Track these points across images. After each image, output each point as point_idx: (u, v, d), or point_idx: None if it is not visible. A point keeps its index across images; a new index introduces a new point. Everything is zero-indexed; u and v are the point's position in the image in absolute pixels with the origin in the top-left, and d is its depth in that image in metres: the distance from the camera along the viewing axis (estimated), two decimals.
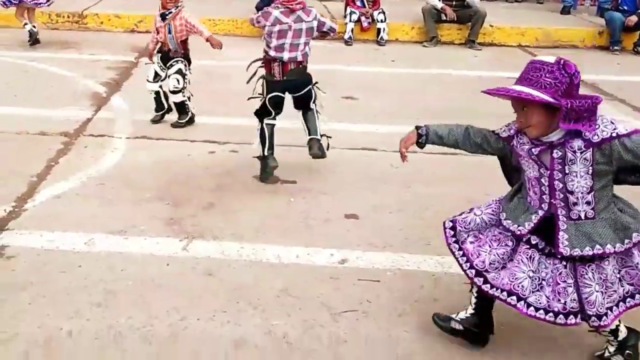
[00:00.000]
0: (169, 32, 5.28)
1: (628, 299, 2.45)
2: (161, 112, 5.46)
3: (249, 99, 4.38)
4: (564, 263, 2.41)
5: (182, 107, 5.35)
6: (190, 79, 5.45)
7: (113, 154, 4.73)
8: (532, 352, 2.73)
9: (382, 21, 8.97)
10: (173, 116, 5.43)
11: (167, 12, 5.27)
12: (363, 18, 8.99)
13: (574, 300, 2.39)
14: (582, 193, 2.35)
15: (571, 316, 2.41)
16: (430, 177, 4.48)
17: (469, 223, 2.63)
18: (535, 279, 2.43)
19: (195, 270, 3.23)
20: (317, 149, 4.26)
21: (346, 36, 8.90)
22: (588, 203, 2.37)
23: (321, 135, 4.34)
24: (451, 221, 2.68)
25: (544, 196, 2.43)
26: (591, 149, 2.29)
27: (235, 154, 4.86)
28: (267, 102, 4.27)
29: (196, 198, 4.03)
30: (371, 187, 4.32)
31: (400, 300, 3.02)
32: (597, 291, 2.39)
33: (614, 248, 2.36)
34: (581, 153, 2.31)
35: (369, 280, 3.18)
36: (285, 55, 4.13)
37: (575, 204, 2.37)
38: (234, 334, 2.75)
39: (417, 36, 9.26)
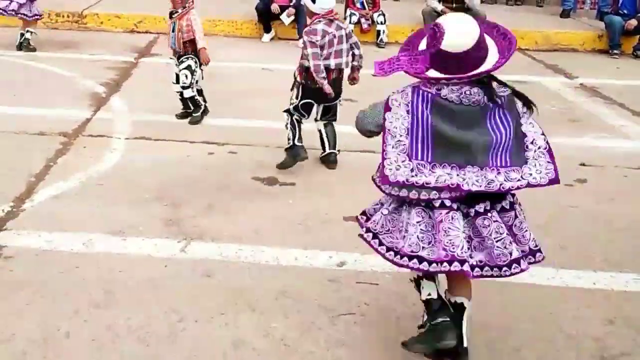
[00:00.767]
0: (172, 31, 5.32)
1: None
2: (187, 111, 5.58)
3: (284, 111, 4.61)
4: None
5: (193, 102, 5.47)
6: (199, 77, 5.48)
7: (112, 154, 4.73)
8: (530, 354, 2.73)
9: (382, 23, 8.98)
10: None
11: (174, 11, 5.30)
12: (363, 20, 9.00)
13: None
14: None
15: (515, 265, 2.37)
16: None
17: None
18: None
19: (193, 272, 3.22)
20: (334, 161, 4.67)
21: None
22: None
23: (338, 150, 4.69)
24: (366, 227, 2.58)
25: None
26: None
27: (234, 155, 4.85)
28: (299, 106, 4.50)
29: (195, 199, 4.03)
30: (370, 189, 4.29)
31: (398, 303, 3.02)
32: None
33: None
34: None
35: (367, 283, 3.17)
36: (332, 63, 4.41)
37: None
38: (232, 335, 2.75)
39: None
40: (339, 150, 4.70)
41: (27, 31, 7.63)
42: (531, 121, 2.38)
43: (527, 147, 2.34)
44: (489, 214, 2.35)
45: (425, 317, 2.51)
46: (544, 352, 2.75)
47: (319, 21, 4.38)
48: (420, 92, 2.30)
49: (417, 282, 2.54)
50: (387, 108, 2.35)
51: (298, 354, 2.66)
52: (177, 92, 5.48)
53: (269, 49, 8.63)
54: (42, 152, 4.66)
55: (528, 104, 2.39)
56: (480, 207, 2.35)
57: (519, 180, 2.32)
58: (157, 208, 3.89)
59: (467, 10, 8.95)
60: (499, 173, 2.30)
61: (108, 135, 5.10)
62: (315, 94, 4.45)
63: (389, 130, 2.32)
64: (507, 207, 2.40)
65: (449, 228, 2.30)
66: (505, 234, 2.36)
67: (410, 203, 2.39)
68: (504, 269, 2.37)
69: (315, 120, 4.69)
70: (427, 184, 2.28)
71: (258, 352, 2.65)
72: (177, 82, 5.44)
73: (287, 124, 4.57)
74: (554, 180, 2.36)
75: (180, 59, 5.38)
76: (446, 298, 2.52)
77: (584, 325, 2.95)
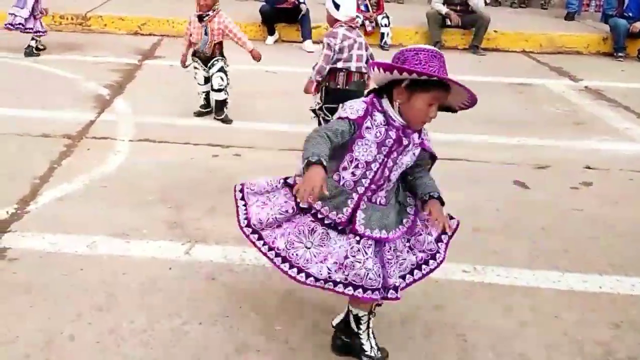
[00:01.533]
0: (205, 34, 5.33)
1: (423, 266, 2.51)
2: (206, 110, 5.66)
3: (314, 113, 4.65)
4: (357, 238, 2.37)
5: (224, 104, 5.55)
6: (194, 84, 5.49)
7: (116, 156, 4.73)
8: None
9: (386, 25, 8.97)
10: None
11: (205, 15, 5.32)
12: (367, 22, 8.99)
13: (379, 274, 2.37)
14: (393, 182, 2.42)
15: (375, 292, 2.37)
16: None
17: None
18: (318, 251, 2.38)
19: (197, 275, 3.21)
20: None
21: None
22: (387, 192, 2.42)
23: None
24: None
25: (363, 179, 2.37)
26: (420, 148, 2.40)
27: (238, 158, 4.84)
28: (323, 109, 4.59)
29: (199, 202, 4.02)
30: None
31: (403, 307, 2.99)
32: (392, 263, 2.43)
33: (398, 231, 2.43)
34: (415, 147, 2.39)
35: None
36: (353, 65, 4.51)
37: (381, 190, 2.40)
38: (236, 338, 2.74)
39: (421, 41, 9.25)
40: None
41: (33, 39, 7.61)
42: None
43: None
44: None
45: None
46: (549, 356, 2.74)
47: (341, 26, 4.49)
48: None
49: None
50: None
51: (303, 357, 2.65)
52: (204, 92, 5.57)
53: (273, 51, 8.63)
54: (46, 154, 4.66)
55: None
56: None
57: None
58: (161, 210, 3.88)
59: (472, 12, 8.96)
60: None
61: (112, 137, 5.10)
62: (339, 94, 4.44)
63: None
64: None
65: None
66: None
67: None
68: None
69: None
70: None
71: (262, 355, 2.64)
72: (205, 84, 5.52)
73: (318, 122, 4.65)
74: None
75: (211, 62, 5.42)
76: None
77: (590, 329, 2.93)
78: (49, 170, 4.40)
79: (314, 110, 4.66)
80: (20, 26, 7.41)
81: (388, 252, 2.42)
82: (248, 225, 2.52)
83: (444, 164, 4.79)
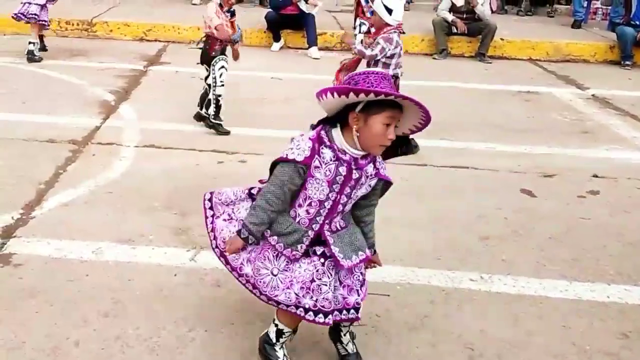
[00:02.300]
0: (238, 27, 5.40)
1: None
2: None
3: None
4: (322, 260, 2.37)
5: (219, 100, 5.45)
6: (199, 88, 5.48)
7: (121, 162, 4.72)
8: None
9: None
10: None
11: (231, 10, 5.39)
12: (372, 29, 8.98)
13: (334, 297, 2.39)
14: (346, 212, 2.42)
15: (335, 313, 2.40)
16: (441, 191, 4.44)
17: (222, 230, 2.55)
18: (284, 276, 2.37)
19: (203, 281, 3.20)
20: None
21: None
22: (343, 214, 2.41)
23: None
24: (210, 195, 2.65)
25: (318, 217, 2.35)
26: (376, 179, 2.36)
27: (243, 164, 4.84)
28: None
29: None
30: (382, 199, 4.27)
31: (410, 315, 2.98)
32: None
33: (365, 254, 2.45)
34: (369, 179, 2.34)
35: (378, 294, 3.13)
36: (399, 71, 4.83)
37: (336, 217, 2.39)
38: (242, 346, 2.72)
39: (427, 48, 9.26)
40: None
41: (29, 42, 7.53)
42: None
43: None
44: None
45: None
46: None
47: (395, 32, 4.75)
48: None
49: None
50: None
51: None
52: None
53: (278, 57, 8.65)
54: (52, 159, 4.66)
55: None
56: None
57: None
58: (166, 217, 3.87)
59: (478, 20, 8.95)
60: None
61: (117, 143, 5.10)
62: None
63: None
64: None
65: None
66: None
67: None
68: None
69: None
70: None
71: None
72: (206, 78, 5.43)
73: None
74: None
75: (214, 61, 5.32)
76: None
77: (598, 339, 2.90)
78: (55, 175, 4.40)
79: None
80: (34, 16, 7.40)
81: (343, 270, 2.42)
82: (216, 246, 2.56)
83: (450, 172, 4.82)
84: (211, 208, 2.62)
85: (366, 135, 2.23)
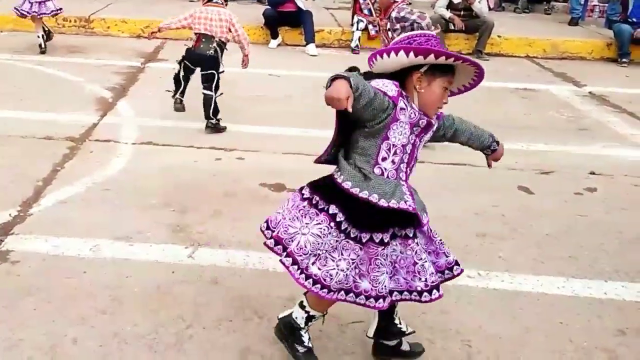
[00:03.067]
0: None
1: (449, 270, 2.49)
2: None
3: None
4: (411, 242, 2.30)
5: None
6: (195, 86, 5.47)
7: (119, 159, 4.72)
8: None
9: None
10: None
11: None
12: (370, 27, 8.99)
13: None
14: (414, 166, 2.34)
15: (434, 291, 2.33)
16: (439, 188, 4.44)
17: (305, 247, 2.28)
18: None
19: (201, 278, 3.20)
20: None
21: (353, 44, 8.90)
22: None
23: None
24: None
25: (402, 165, 2.27)
26: (435, 126, 2.34)
27: (241, 161, 4.83)
28: None
29: (202, 205, 4.01)
30: None
31: (407, 312, 2.98)
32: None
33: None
34: (433, 126, 2.33)
35: None
36: None
37: (411, 173, 2.35)
38: (240, 343, 2.72)
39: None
40: None
41: (38, 36, 7.68)
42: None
43: None
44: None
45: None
46: None
47: (404, 3, 5.18)
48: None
49: None
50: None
51: None
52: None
53: (276, 54, 8.64)
54: (49, 156, 4.65)
55: None
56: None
57: None
58: (164, 214, 3.87)
59: (475, 17, 8.95)
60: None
61: (115, 140, 5.10)
62: None
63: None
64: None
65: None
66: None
67: None
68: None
69: None
70: None
71: None
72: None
73: None
74: None
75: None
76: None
77: (595, 335, 2.91)
78: (52, 172, 4.40)
79: None
80: (35, 13, 7.53)
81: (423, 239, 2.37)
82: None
83: (448, 169, 4.82)
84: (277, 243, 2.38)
85: (427, 97, 2.24)
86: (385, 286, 2.28)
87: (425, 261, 2.32)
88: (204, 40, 5.22)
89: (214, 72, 5.24)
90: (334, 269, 2.24)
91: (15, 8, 7.55)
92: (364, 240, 2.24)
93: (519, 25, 10.20)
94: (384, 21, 5.40)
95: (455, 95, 2.46)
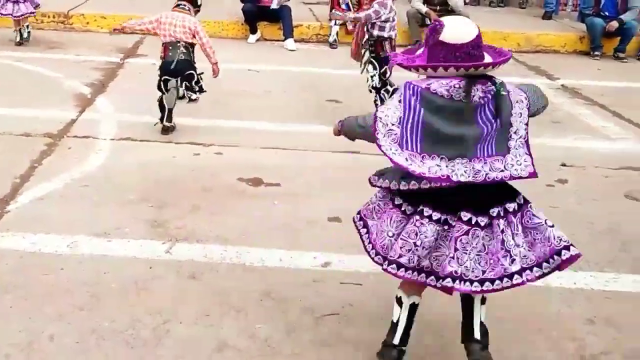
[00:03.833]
0: None
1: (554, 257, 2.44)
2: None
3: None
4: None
5: None
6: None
7: (97, 155, 4.72)
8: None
9: None
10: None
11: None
12: (348, 21, 9.01)
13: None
14: None
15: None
16: None
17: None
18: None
19: (178, 274, 3.23)
20: None
21: (331, 39, 8.93)
22: None
23: None
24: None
25: None
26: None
27: (220, 156, 4.86)
28: (380, 76, 5.39)
29: (180, 200, 4.04)
30: (355, 190, 4.32)
31: (382, 304, 3.04)
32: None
33: None
34: None
35: (351, 283, 3.20)
36: (393, 34, 5.40)
37: None
38: (217, 337, 2.76)
39: (401, 40, 9.24)
40: None
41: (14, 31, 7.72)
42: (520, 111, 2.40)
43: (510, 136, 2.38)
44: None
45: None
46: (524, 352, 2.80)
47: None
48: (411, 86, 2.31)
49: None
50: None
51: (282, 356, 2.68)
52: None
53: (255, 49, 8.64)
54: (27, 153, 4.64)
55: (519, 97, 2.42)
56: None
57: (502, 170, 2.34)
58: (142, 209, 3.90)
59: (451, 12, 9.02)
60: (485, 163, 2.32)
61: (93, 136, 5.09)
62: (385, 61, 5.26)
63: (380, 118, 2.30)
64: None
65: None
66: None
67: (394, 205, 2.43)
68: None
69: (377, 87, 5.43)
70: (422, 174, 2.29)
71: (243, 354, 2.67)
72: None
73: (376, 100, 5.37)
74: (533, 174, 2.40)
75: None
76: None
77: (564, 325, 2.99)
78: (30, 169, 4.39)
79: (377, 89, 5.39)
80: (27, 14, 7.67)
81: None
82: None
83: None
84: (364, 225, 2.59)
85: None
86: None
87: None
88: (170, 47, 5.15)
89: (191, 72, 5.23)
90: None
91: None
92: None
93: (494, 19, 10.28)
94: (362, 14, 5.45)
95: None
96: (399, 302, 2.58)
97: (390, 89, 5.26)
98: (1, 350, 2.61)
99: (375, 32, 5.34)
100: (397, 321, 2.57)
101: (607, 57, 9.02)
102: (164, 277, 3.19)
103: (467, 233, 2.32)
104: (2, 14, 7.56)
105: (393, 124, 2.29)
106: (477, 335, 2.50)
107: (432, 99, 2.29)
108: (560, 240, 2.38)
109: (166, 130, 5.17)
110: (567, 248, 2.37)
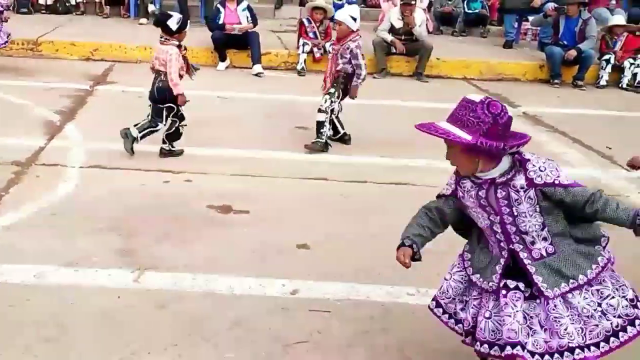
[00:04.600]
0: None
1: (620, 333, 2.39)
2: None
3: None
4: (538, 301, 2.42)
5: None
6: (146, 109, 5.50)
7: (66, 183, 4.71)
8: None
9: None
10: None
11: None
12: (315, 49, 9.18)
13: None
14: (536, 232, 2.39)
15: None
16: (381, 208, 4.59)
17: (447, 291, 2.67)
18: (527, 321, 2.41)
19: (147, 303, 3.24)
20: (349, 139, 6.19)
21: (299, 67, 9.06)
22: (545, 239, 2.41)
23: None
24: (433, 300, 2.72)
25: (501, 243, 2.45)
26: (533, 188, 2.34)
27: (189, 184, 4.89)
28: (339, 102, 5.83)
29: (150, 228, 4.05)
30: (323, 217, 4.41)
31: (350, 331, 3.10)
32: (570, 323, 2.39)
33: (586, 277, 2.40)
34: (524, 192, 2.34)
35: (319, 310, 3.24)
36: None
37: (533, 243, 2.41)
38: None
39: (367, 68, 9.46)
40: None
41: None
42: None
43: None
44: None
45: None
46: None
47: (358, 36, 5.70)
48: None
49: None
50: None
51: None
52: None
53: (224, 77, 8.72)
54: None
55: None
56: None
57: None
58: (111, 238, 3.90)
59: (415, 41, 9.27)
60: None
61: (62, 164, 5.07)
62: (346, 93, 5.84)
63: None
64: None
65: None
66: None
67: None
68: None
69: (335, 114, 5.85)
70: None
71: None
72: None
73: (324, 122, 5.67)
74: None
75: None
76: None
77: None
78: None
79: (331, 111, 5.73)
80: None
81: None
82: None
83: (390, 189, 4.99)
84: (445, 312, 2.72)
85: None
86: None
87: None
88: (154, 76, 5.35)
89: (168, 103, 5.32)
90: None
91: None
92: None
93: (456, 48, 10.54)
94: (337, 47, 5.80)
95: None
96: None
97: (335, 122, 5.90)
98: None
99: (348, 67, 5.75)
100: None
101: (567, 85, 9.31)
102: (132, 307, 3.20)
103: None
104: None
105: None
106: None
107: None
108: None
109: (126, 136, 5.27)
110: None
